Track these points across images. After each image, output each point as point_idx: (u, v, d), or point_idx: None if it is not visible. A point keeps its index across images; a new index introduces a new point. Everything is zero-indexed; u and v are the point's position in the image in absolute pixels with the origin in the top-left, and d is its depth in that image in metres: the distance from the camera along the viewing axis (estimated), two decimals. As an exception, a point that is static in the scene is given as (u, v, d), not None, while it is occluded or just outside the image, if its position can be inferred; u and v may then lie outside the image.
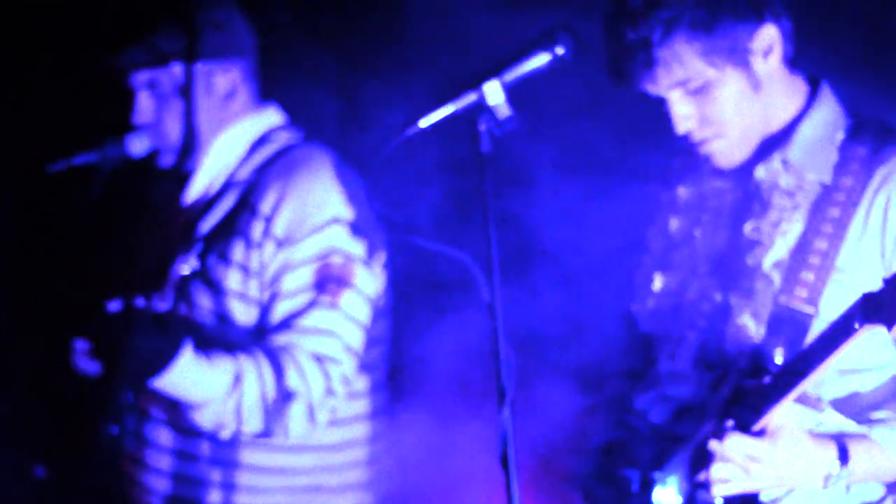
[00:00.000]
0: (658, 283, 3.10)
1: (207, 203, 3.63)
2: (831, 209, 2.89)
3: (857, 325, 2.57)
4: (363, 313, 3.48)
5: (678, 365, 3.00)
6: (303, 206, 3.46)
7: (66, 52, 4.34)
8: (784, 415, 2.76)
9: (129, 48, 3.59)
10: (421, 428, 3.72)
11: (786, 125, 2.99)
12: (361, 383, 3.59)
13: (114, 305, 3.25)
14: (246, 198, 3.55)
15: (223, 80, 3.61)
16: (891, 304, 2.51)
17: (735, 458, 2.76)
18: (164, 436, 3.53)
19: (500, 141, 2.76)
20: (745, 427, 2.76)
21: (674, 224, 3.11)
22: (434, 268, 3.57)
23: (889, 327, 2.52)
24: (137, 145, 3.65)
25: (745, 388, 2.82)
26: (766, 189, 2.97)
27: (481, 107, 2.75)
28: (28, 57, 4.43)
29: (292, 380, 3.36)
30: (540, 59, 2.80)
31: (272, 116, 3.69)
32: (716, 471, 2.78)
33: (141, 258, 3.68)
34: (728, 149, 2.97)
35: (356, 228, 3.47)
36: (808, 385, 2.70)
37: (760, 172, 2.98)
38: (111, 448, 3.53)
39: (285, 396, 3.36)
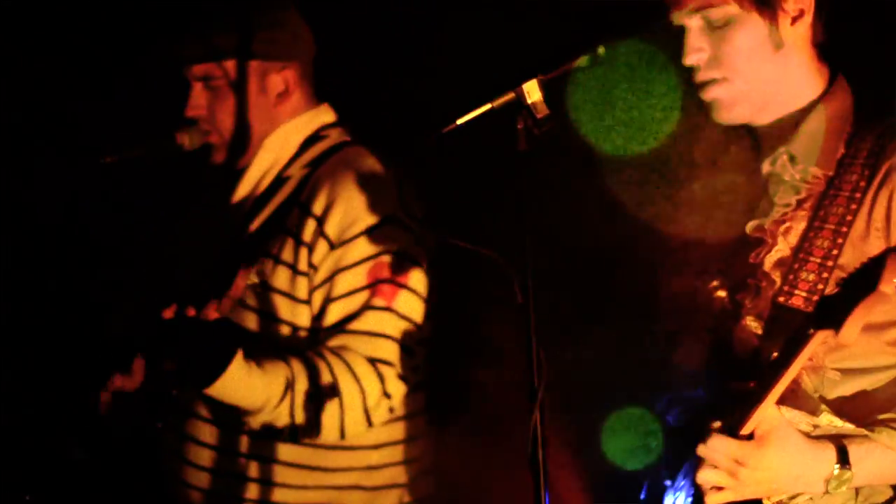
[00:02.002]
0: (673, 282, 3.07)
1: (258, 200, 3.64)
2: (835, 206, 2.84)
3: (810, 331, 2.55)
4: (418, 313, 3.48)
5: (692, 366, 2.97)
6: (355, 207, 3.45)
7: (124, 43, 4.38)
8: (774, 418, 2.71)
9: (185, 41, 3.63)
10: (459, 431, 3.72)
11: (796, 112, 2.94)
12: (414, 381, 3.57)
13: (167, 313, 3.27)
14: (296, 196, 3.55)
15: (277, 78, 3.63)
16: (840, 308, 2.47)
17: (720, 462, 2.71)
18: (205, 431, 3.54)
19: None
20: (732, 430, 2.72)
21: (689, 222, 3.07)
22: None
23: (836, 330, 2.48)
24: (188, 140, 3.67)
25: (736, 392, 2.78)
26: (773, 185, 2.93)
27: (520, 105, 2.75)
28: (85, 47, 4.47)
29: (346, 384, 3.36)
30: (580, 61, 2.81)
31: (325, 115, 3.70)
32: (703, 476, 2.74)
33: (192, 258, 3.71)
34: (729, 99, 2.91)
35: (407, 228, 3.47)
36: (781, 390, 2.66)
37: (766, 167, 2.95)
38: (153, 442, 3.57)
39: (340, 399, 3.36)
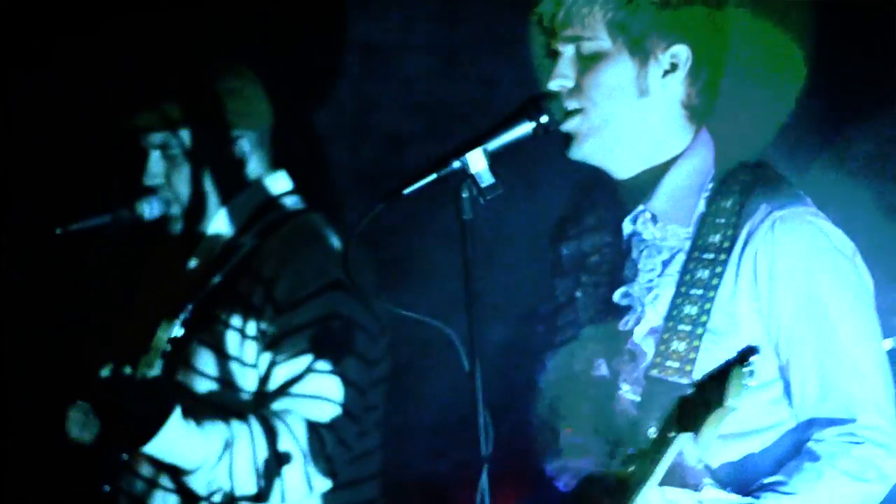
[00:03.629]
0: (550, 351, 3.01)
1: (210, 266, 3.66)
2: (700, 269, 2.81)
3: (671, 435, 2.50)
4: (363, 378, 3.50)
5: (576, 436, 2.92)
6: (303, 272, 3.49)
7: (80, 113, 4.41)
8: (655, 500, 2.63)
9: (141, 111, 3.66)
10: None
11: (657, 168, 2.90)
12: (359, 448, 3.58)
13: (105, 371, 3.29)
14: (247, 262, 3.58)
15: (233, 146, 3.66)
16: (696, 413, 2.44)
17: None
18: (157, 496, 3.54)
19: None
20: None
21: (558, 286, 3.06)
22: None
23: (696, 434, 2.43)
24: (148, 209, 3.69)
25: (615, 474, 2.73)
26: (636, 246, 2.90)
27: (465, 174, 2.75)
28: (41, 116, 4.50)
29: (285, 445, 3.37)
30: (524, 128, 2.82)
31: (280, 182, 3.73)
32: None
33: (139, 322, 3.72)
34: (582, 132, 2.87)
35: (356, 295, 3.49)
36: (657, 479, 2.58)
37: (628, 226, 2.92)
38: None
39: (279, 461, 3.37)
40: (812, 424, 2.77)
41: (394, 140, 4.60)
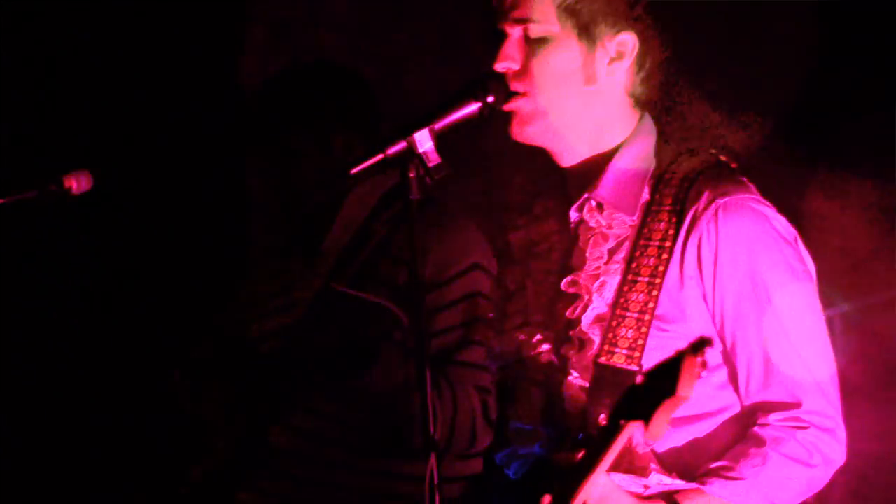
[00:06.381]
0: (498, 338, 3.03)
1: (345, 252, 3.78)
2: (646, 257, 2.82)
3: (622, 422, 2.50)
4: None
5: (525, 421, 2.93)
6: (449, 253, 3.63)
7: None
8: (604, 486, 2.64)
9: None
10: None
11: (600, 156, 2.91)
12: None
13: None
14: (385, 247, 3.71)
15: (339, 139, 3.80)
16: (647, 402, 2.43)
17: None
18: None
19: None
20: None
21: (508, 275, 3.06)
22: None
23: (646, 422, 2.43)
24: (76, 184, 3.63)
25: (564, 460, 2.72)
26: (582, 233, 2.92)
27: (411, 154, 2.74)
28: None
29: (463, 403, 3.54)
30: (470, 108, 2.80)
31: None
32: None
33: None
34: (525, 114, 2.87)
35: (490, 274, 3.63)
36: (608, 465, 2.56)
37: (574, 214, 2.94)
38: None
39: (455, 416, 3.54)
40: (757, 409, 2.79)
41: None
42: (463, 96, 2.81)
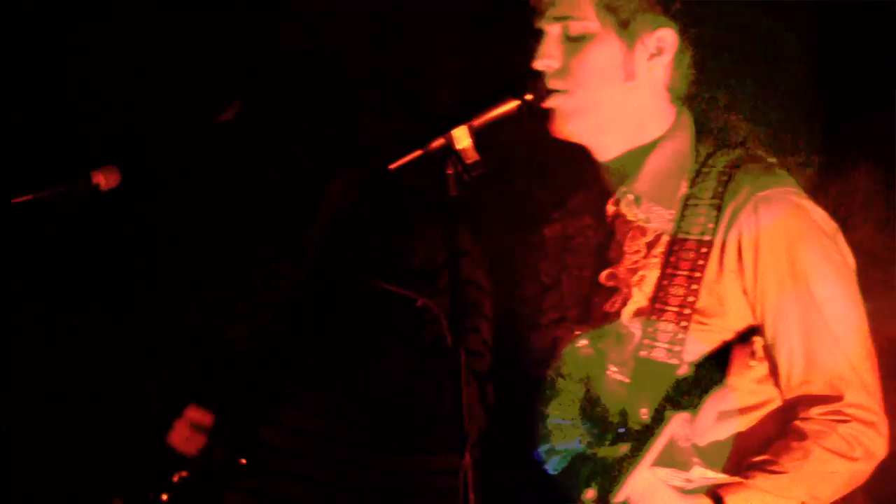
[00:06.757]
0: (535, 333, 3.04)
1: (327, 245, 3.70)
2: (685, 251, 2.83)
3: (668, 414, 2.53)
4: (491, 339, 3.63)
5: (563, 417, 2.94)
6: (435, 241, 3.59)
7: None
8: (647, 481, 2.66)
9: None
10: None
11: (639, 150, 2.93)
12: None
13: None
14: (370, 241, 3.63)
15: None
16: (695, 392, 2.47)
17: None
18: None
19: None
20: (605, 498, 2.69)
21: (542, 269, 3.07)
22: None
23: (694, 412, 2.46)
24: (104, 179, 3.64)
25: (606, 455, 2.75)
26: (619, 228, 2.93)
27: (449, 151, 2.74)
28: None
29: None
30: (509, 105, 2.80)
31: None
32: None
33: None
34: (567, 111, 2.89)
35: (479, 262, 3.62)
36: (651, 459, 2.62)
37: (611, 208, 2.95)
38: None
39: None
40: (798, 403, 2.80)
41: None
42: (502, 94, 2.80)
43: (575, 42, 2.88)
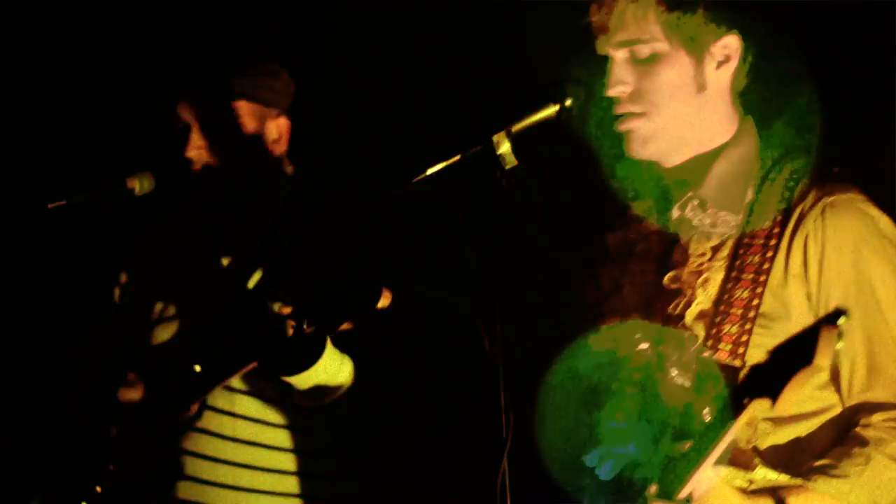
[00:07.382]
0: (593, 337, 3.02)
1: (255, 250, 3.65)
2: (750, 255, 2.83)
3: (745, 401, 2.52)
4: None
5: (621, 420, 2.93)
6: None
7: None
8: (710, 479, 2.65)
9: (189, 81, 3.70)
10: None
11: (705, 156, 2.93)
12: None
13: None
14: (303, 246, 3.59)
15: (272, 125, 3.72)
16: (774, 379, 2.45)
17: None
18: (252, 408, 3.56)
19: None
20: (669, 496, 2.66)
21: (604, 274, 3.06)
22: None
23: (773, 401, 2.46)
24: (139, 185, 3.66)
25: (670, 454, 2.74)
26: (684, 232, 2.92)
27: (489, 156, 2.74)
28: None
29: None
30: (548, 111, 2.81)
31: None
32: None
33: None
34: (645, 134, 2.90)
35: None
36: (717, 455, 2.60)
37: (676, 212, 2.94)
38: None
39: None
40: (859, 410, 2.79)
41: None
42: (542, 100, 2.80)
43: (645, 64, 2.88)
